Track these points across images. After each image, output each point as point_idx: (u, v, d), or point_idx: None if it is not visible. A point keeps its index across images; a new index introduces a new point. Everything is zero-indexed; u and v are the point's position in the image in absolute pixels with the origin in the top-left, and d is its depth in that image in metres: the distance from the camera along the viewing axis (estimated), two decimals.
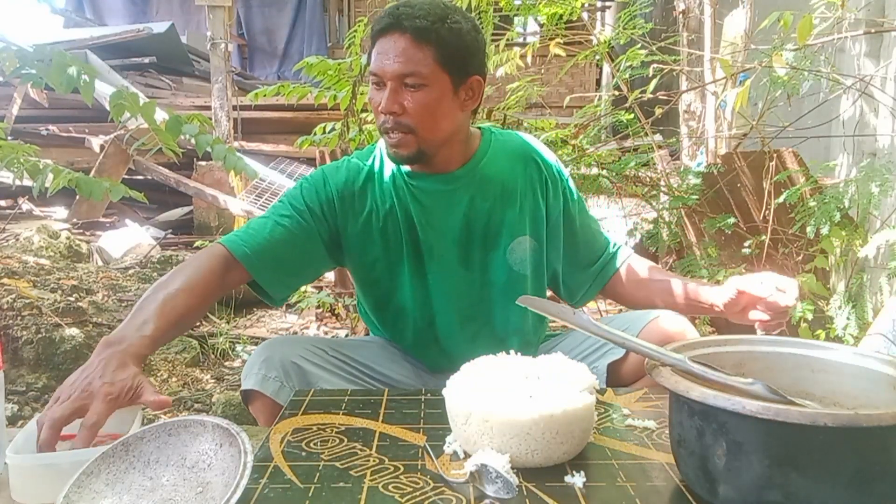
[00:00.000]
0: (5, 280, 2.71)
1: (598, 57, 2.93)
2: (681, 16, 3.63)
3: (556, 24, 2.74)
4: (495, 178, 1.30)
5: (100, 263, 4.01)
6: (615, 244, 1.44)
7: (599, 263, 1.42)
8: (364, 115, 2.67)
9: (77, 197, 5.16)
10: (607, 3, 7.63)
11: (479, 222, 1.29)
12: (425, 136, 1.19)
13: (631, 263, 1.41)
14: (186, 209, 5.65)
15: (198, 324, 3.31)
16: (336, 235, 1.28)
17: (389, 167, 1.29)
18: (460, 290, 1.30)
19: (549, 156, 1.39)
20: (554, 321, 1.08)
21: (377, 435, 0.93)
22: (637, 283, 1.38)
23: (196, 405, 2.35)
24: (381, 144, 1.31)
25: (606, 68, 6.13)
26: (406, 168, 1.28)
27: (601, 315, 2.79)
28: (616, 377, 1.25)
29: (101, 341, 0.98)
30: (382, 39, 1.17)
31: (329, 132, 2.67)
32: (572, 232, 1.39)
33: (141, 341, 0.99)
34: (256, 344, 2.94)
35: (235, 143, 5.57)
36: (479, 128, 1.36)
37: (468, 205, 1.28)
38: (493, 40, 2.77)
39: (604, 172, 2.76)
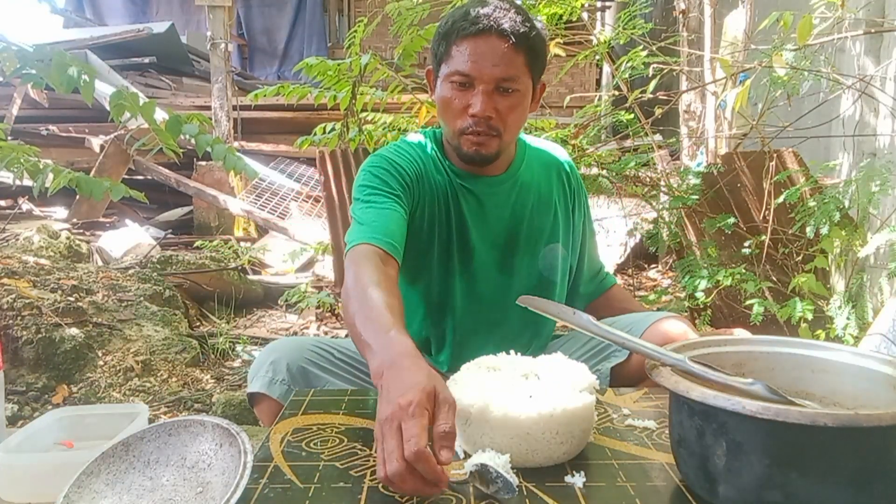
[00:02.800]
0: (5, 280, 2.71)
1: (598, 57, 2.93)
2: (681, 16, 3.63)
3: (556, 25, 2.74)
4: (532, 185, 1.32)
5: (100, 263, 4.01)
6: (607, 269, 1.53)
7: (595, 280, 1.48)
8: (364, 115, 2.67)
9: (77, 197, 5.16)
10: (607, 3, 7.63)
11: (520, 227, 1.30)
12: (507, 139, 1.21)
13: (617, 290, 1.51)
14: (186, 209, 5.65)
15: (198, 324, 3.31)
16: (413, 213, 1.24)
17: (440, 163, 1.29)
18: (494, 294, 1.30)
19: (575, 168, 1.42)
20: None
21: None
22: (620, 310, 1.42)
23: (196, 405, 2.35)
24: (444, 137, 1.28)
25: (606, 68, 6.13)
26: (456, 167, 1.28)
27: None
28: (620, 380, 1.25)
29: (373, 372, 0.83)
30: (476, 40, 1.15)
31: (329, 132, 2.67)
32: (584, 245, 1.43)
33: (401, 337, 0.86)
34: (256, 344, 2.95)
35: (235, 143, 5.56)
36: None
37: (511, 209, 1.30)
38: None
39: (604, 172, 2.76)
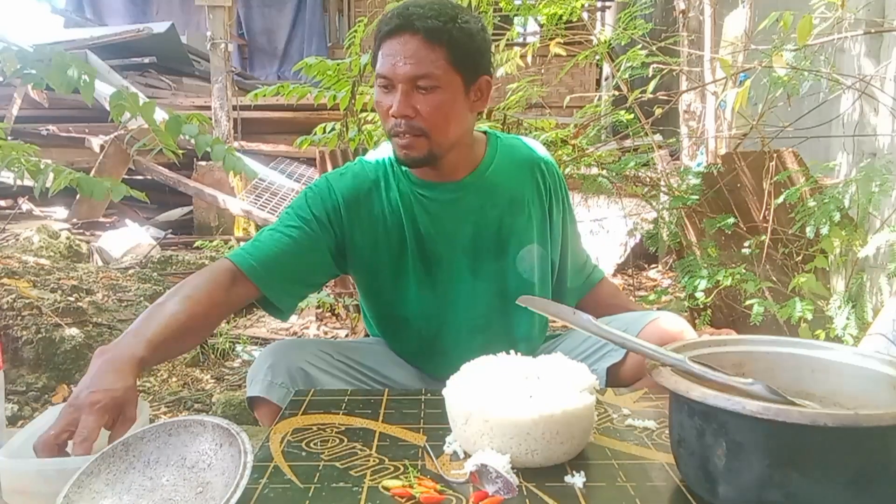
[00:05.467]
0: (5, 280, 2.71)
1: (598, 57, 2.93)
2: (681, 16, 3.63)
3: (556, 25, 2.74)
4: (503, 186, 1.29)
5: (100, 263, 4.01)
6: (594, 262, 1.51)
7: (582, 273, 1.46)
8: (363, 115, 2.67)
9: (77, 197, 5.16)
10: (607, 3, 7.64)
11: (489, 231, 1.28)
12: (437, 140, 1.17)
13: (606, 285, 1.50)
14: (186, 209, 5.65)
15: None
16: (342, 244, 1.26)
17: (396, 175, 1.27)
18: (470, 300, 1.29)
19: (553, 162, 1.39)
20: (554, 322, 1.08)
21: (377, 435, 0.93)
22: (610, 306, 1.42)
23: (196, 405, 2.35)
24: (388, 151, 1.28)
25: (606, 68, 6.13)
26: (414, 176, 1.26)
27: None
28: (615, 380, 1.25)
29: (97, 351, 0.96)
30: (391, 41, 1.14)
31: (329, 132, 2.67)
32: (566, 241, 1.41)
33: (136, 342, 0.97)
34: (256, 344, 2.94)
35: (235, 143, 5.57)
36: (484, 132, 1.35)
37: (477, 213, 1.27)
38: (493, 40, 2.77)
39: (604, 172, 2.76)
